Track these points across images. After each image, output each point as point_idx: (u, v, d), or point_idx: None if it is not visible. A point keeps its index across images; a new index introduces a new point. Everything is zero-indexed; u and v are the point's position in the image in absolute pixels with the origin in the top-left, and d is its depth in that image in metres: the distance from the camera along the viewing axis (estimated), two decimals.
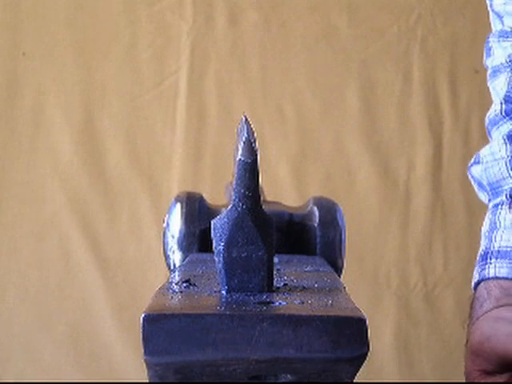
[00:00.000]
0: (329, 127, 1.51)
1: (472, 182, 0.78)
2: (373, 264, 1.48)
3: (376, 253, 1.49)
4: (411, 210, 1.50)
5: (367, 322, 0.33)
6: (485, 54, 0.78)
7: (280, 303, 0.35)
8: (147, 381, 0.35)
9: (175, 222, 0.57)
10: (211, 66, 1.50)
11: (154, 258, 1.41)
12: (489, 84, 0.76)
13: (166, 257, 0.58)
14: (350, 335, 0.33)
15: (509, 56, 0.72)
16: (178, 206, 0.58)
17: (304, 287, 0.40)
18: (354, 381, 0.36)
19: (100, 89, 1.48)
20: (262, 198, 0.39)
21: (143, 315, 0.33)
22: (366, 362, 0.34)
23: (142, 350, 0.33)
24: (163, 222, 0.58)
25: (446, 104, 1.52)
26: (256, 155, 0.36)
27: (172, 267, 0.57)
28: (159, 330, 0.33)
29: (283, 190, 1.45)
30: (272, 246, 0.38)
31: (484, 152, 0.75)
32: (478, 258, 0.71)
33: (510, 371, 0.58)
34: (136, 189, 1.47)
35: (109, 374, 1.42)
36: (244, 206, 0.37)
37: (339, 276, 0.55)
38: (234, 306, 0.35)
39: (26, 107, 1.46)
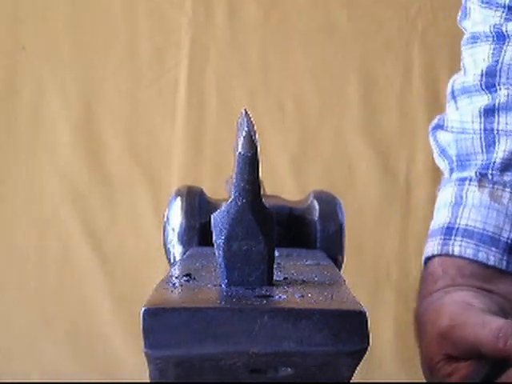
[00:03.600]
0: (329, 121, 1.50)
1: (433, 146, 0.75)
2: (373, 257, 1.48)
3: (376, 246, 1.49)
4: (411, 203, 1.49)
5: (367, 315, 0.33)
6: (460, 13, 0.76)
7: (280, 297, 0.35)
8: (147, 375, 0.35)
9: (175, 215, 0.57)
10: (211, 59, 1.49)
11: (154, 252, 1.41)
12: (464, 48, 0.74)
13: (166, 250, 0.58)
14: (351, 329, 0.33)
15: (494, 27, 0.70)
16: (179, 199, 0.58)
17: (304, 281, 0.40)
18: (354, 375, 0.36)
19: (100, 83, 1.48)
20: (261, 192, 0.39)
21: (143, 309, 0.33)
22: (366, 355, 0.34)
23: (143, 344, 0.33)
24: (163, 216, 0.58)
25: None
26: (256, 149, 0.36)
27: (172, 261, 0.57)
28: (159, 323, 0.33)
29: (283, 184, 1.45)
30: (272, 239, 0.38)
31: (452, 117, 0.72)
32: (435, 229, 0.69)
33: (474, 359, 0.57)
34: (136, 183, 1.47)
35: (109, 369, 1.42)
36: (244, 200, 0.37)
37: (339, 269, 0.55)
38: (234, 299, 0.35)
39: (25, 101, 1.46)
